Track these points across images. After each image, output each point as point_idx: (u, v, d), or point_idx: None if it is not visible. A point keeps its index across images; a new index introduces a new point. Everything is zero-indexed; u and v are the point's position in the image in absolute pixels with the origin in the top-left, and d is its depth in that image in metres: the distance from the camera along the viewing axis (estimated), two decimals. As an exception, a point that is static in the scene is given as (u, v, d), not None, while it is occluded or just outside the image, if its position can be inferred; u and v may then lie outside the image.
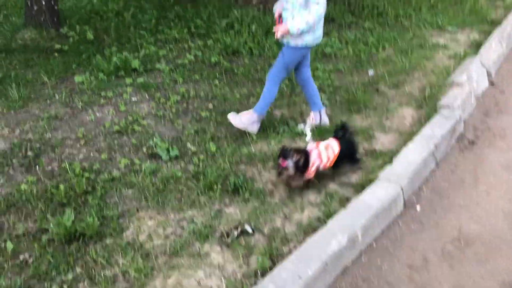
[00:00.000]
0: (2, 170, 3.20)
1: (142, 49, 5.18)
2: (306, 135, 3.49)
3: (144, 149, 3.51)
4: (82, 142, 3.57)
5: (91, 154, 3.44)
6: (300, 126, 3.72)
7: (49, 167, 3.26)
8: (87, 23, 5.86)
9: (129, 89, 4.38)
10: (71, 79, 4.65)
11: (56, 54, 5.13)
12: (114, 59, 4.80)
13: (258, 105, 3.59)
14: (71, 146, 3.52)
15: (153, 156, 3.44)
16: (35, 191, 2.99)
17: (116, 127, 3.73)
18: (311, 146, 3.01)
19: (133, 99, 4.28)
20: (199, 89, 4.46)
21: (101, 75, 4.63)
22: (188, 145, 3.56)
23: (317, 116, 3.74)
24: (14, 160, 3.31)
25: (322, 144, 3.03)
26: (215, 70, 4.87)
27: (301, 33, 3.27)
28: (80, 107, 4.08)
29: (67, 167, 3.20)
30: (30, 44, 5.28)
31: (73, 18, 5.96)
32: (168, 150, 3.47)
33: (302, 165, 2.85)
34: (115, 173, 3.21)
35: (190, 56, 5.12)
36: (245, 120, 3.60)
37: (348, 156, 3.10)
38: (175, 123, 3.90)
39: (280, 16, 3.39)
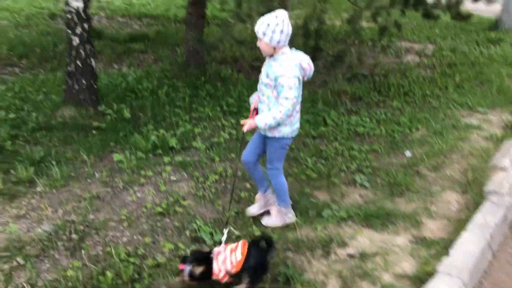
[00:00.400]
0: (48, 254, 3.15)
1: (179, 127, 5.27)
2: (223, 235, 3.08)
3: (187, 233, 3.46)
4: (125, 224, 3.53)
5: (135, 237, 3.39)
6: (250, 210, 3.68)
7: (94, 251, 3.21)
8: (123, 101, 6.04)
9: (168, 168, 4.41)
10: (110, 157, 4.71)
11: (94, 132, 5.23)
12: (152, 137, 4.88)
13: (278, 199, 3.57)
14: (114, 229, 3.48)
15: (197, 239, 3.38)
16: (81, 277, 2.91)
17: (158, 209, 3.71)
18: (218, 249, 2.86)
19: (172, 178, 4.29)
20: (236, 168, 4.48)
21: (139, 153, 4.68)
22: (231, 228, 3.51)
23: (262, 197, 3.68)
24: (59, 243, 3.26)
25: (229, 247, 2.86)
26: (250, 148, 4.91)
27: (276, 126, 3.17)
28: (120, 186, 4.09)
29: (112, 252, 3.14)
30: (69, 121, 5.41)
31: (109, 96, 6.15)
32: (211, 234, 3.42)
33: (199, 275, 2.74)
34: (160, 258, 3.14)
35: (224, 134, 5.20)
36: (276, 218, 3.56)
37: (254, 271, 2.79)
38: (216, 203, 3.87)
39: (255, 109, 3.32)
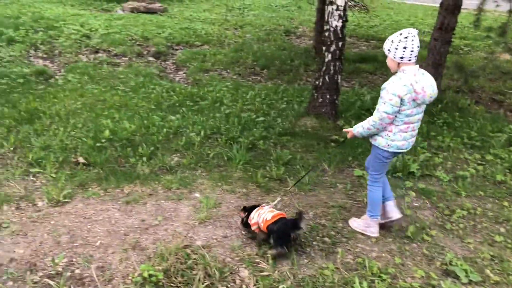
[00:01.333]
0: (305, 250, 3.40)
1: (417, 153, 5.15)
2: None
3: (438, 263, 3.32)
4: (373, 240, 3.58)
5: (383, 255, 3.41)
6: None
7: (346, 258, 3.33)
8: (359, 118, 6.19)
9: (412, 193, 4.34)
10: (348, 170, 4.87)
11: (333, 144, 5.48)
12: (393, 159, 4.86)
13: (368, 208, 3.63)
14: (363, 241, 3.56)
15: (449, 273, 3.22)
16: (336, 280, 3.06)
17: (407, 232, 3.66)
18: (263, 206, 3.43)
19: (415, 204, 4.20)
20: (486, 208, 4.14)
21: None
22: (487, 271, 3.24)
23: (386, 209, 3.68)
24: (314, 243, 3.49)
25: (266, 208, 3.36)
26: (501, 189, 4.50)
27: (373, 135, 3.31)
28: (363, 201, 4.18)
29: (365, 263, 3.21)
30: (310, 131, 5.79)
31: (347, 112, 6.38)
32: (466, 271, 3.21)
33: (242, 220, 3.51)
34: (412, 283, 3.08)
35: (470, 169, 4.87)
36: (359, 224, 3.68)
37: (275, 235, 3.18)
38: (466, 241, 3.64)
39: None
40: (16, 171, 4.41)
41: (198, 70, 9.11)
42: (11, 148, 4.91)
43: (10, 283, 2.91)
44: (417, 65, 3.17)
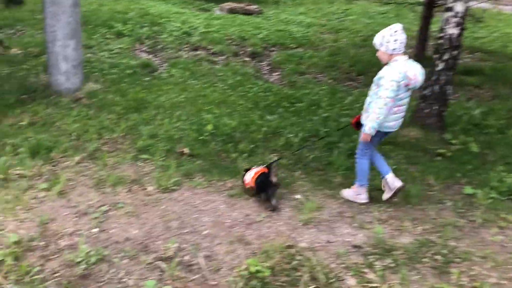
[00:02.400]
0: (415, 266, 3.21)
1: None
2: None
3: None
4: (489, 264, 3.30)
5: (503, 282, 3.13)
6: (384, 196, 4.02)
7: (461, 281, 3.10)
8: (468, 133, 5.80)
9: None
10: (457, 187, 4.56)
11: (438, 157, 5.17)
12: (509, 180, 4.48)
13: (356, 178, 4.03)
14: (478, 265, 3.30)
15: None
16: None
17: (525, 262, 3.34)
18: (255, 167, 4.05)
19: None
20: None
21: (493, 193, 4.36)
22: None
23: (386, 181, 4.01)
24: (424, 260, 3.29)
25: (254, 169, 3.99)
26: None
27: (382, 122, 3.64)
28: (477, 221, 3.88)
29: (483, 289, 2.97)
30: (414, 142, 5.52)
31: (453, 125, 6.00)
32: None
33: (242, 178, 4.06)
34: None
35: None
36: (349, 193, 4.08)
37: (261, 186, 3.81)
38: None
39: (355, 123, 4.00)
40: (127, 156, 4.64)
41: (293, 72, 9.09)
42: (121, 134, 5.18)
43: (126, 260, 3.04)
44: (406, 55, 3.62)
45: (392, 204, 4.07)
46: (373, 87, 3.71)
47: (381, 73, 3.61)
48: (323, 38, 12.30)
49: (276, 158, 4.54)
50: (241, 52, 10.69)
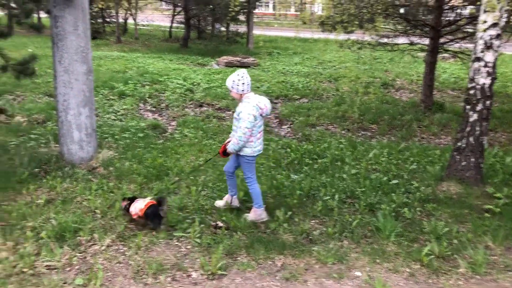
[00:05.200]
0: None
1: None
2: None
3: None
4: None
5: None
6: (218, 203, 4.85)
7: None
8: (508, 184, 5.56)
9: None
10: (516, 248, 4.25)
11: (487, 214, 4.89)
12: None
13: (254, 202, 4.62)
14: None
15: None
16: None
17: None
18: (140, 199, 4.43)
19: None
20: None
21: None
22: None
23: (229, 198, 4.82)
24: None
25: (141, 201, 4.36)
26: None
27: (242, 148, 4.37)
28: (559, 290, 3.55)
29: None
30: (455, 198, 5.25)
31: (492, 177, 5.76)
32: None
33: (124, 208, 4.44)
34: None
35: None
36: (253, 216, 4.60)
37: (150, 217, 4.26)
38: None
39: (223, 152, 4.64)
40: (160, 234, 4.26)
41: (304, 124, 8.91)
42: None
43: None
44: (252, 92, 4.39)
45: (458, 274, 3.72)
46: (235, 122, 4.45)
47: (238, 109, 4.36)
48: (324, 87, 12.27)
49: (163, 193, 5.03)
50: (246, 106, 10.50)
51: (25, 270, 3.56)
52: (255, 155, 4.49)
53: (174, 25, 21.72)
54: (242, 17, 19.06)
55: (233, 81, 4.28)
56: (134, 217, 4.35)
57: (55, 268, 3.62)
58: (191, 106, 10.02)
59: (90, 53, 6.03)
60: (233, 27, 19.15)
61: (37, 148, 6.47)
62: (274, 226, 4.51)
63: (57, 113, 6.04)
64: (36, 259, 3.71)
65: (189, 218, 4.54)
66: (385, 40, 10.36)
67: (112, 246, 4.03)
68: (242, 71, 4.32)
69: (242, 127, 4.27)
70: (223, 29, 19.28)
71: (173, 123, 8.80)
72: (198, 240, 4.16)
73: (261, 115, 4.37)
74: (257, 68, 14.68)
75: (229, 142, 4.57)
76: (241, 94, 4.32)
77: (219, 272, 3.65)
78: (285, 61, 16.32)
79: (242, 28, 19.33)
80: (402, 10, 10.32)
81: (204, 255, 3.88)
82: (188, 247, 4.10)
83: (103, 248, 3.98)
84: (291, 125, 9.12)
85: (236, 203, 4.82)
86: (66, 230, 4.16)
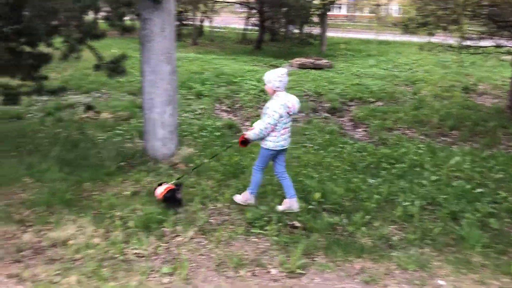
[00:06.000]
0: None
1: None
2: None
3: None
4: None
5: None
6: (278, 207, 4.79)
7: None
8: None
9: None
10: None
11: None
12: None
13: (250, 186, 4.89)
14: None
15: None
16: None
17: None
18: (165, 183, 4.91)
19: None
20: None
21: None
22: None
23: (288, 203, 4.80)
24: None
25: (164, 186, 4.82)
26: None
27: (263, 138, 4.62)
28: None
29: None
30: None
31: None
32: None
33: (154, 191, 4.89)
34: None
35: None
36: (241, 198, 4.91)
37: (169, 200, 4.69)
38: None
39: (242, 141, 4.77)
40: (238, 230, 4.37)
41: (380, 128, 8.72)
42: (226, 204, 4.95)
43: None
44: (285, 91, 4.58)
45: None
46: (263, 116, 4.62)
47: (267, 104, 4.59)
48: (401, 90, 11.92)
49: (179, 178, 5.24)
50: (319, 108, 10.50)
51: (116, 256, 3.80)
52: (276, 149, 4.67)
53: (248, 27, 22.11)
54: (316, 19, 19.00)
55: (272, 77, 4.51)
56: (158, 197, 4.78)
57: (142, 256, 3.83)
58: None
59: (175, 54, 6.31)
60: (306, 29, 19.14)
61: (122, 143, 6.87)
62: (352, 229, 4.47)
63: (143, 111, 6.38)
64: (125, 247, 3.94)
65: (266, 216, 4.60)
66: (468, 42, 9.86)
67: (194, 238, 4.19)
68: (283, 70, 4.56)
69: (265, 121, 4.51)
70: (296, 31, 19.33)
71: (247, 123, 8.96)
72: (275, 238, 4.22)
73: (288, 113, 4.55)
74: (330, 70, 14.56)
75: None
76: (274, 90, 4.54)
77: (298, 270, 3.67)
78: (360, 63, 16.05)
79: (315, 30, 19.26)
80: (489, 11, 9.77)
81: (282, 253, 3.93)
82: (266, 244, 4.17)
83: (186, 240, 4.15)
84: (367, 129, 8.96)
85: (295, 206, 4.78)
86: (151, 221, 4.39)
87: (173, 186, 4.80)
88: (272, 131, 4.55)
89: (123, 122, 8.23)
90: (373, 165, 6.43)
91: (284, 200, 4.84)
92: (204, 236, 4.26)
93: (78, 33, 5.34)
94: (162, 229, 4.33)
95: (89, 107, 8.56)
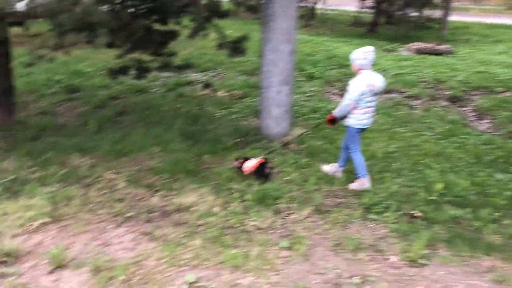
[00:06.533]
0: None
1: None
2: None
3: None
4: None
5: None
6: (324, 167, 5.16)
7: None
8: None
9: None
10: None
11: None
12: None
13: (356, 171, 4.84)
14: None
15: None
16: None
17: None
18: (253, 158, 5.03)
19: None
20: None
21: None
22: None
23: (337, 168, 5.09)
24: None
25: (254, 160, 4.92)
26: None
27: (346, 116, 4.72)
28: None
29: None
30: None
31: None
32: None
33: (238, 166, 5.01)
34: None
35: None
36: (355, 184, 4.82)
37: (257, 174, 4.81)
38: None
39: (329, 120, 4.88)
40: (354, 214, 4.28)
41: (508, 120, 7.93)
42: (341, 187, 4.88)
43: None
44: (371, 69, 4.59)
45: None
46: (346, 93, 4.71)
47: (351, 82, 4.66)
48: (536, 81, 10.69)
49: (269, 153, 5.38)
50: (438, 96, 9.84)
51: (236, 225, 3.95)
52: (358, 127, 4.72)
53: (361, 10, 21.36)
54: (438, 1, 17.72)
55: (358, 55, 4.59)
56: (246, 172, 4.88)
57: (260, 228, 3.93)
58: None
59: (295, 35, 6.30)
60: (425, 12, 17.94)
61: (238, 120, 7.09)
62: (478, 225, 4.15)
63: (260, 90, 6.50)
64: (244, 218, 4.08)
65: (383, 203, 4.45)
66: None
67: (309, 217, 4.21)
68: (370, 49, 4.59)
69: (346, 98, 4.64)
70: (414, 14, 18.20)
71: (360, 108, 8.71)
72: (394, 226, 4.07)
73: (371, 91, 4.58)
74: (452, 56, 13.55)
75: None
76: (359, 68, 4.62)
77: (420, 260, 3.50)
78: (485, 49, 14.70)
79: (436, 13, 17.96)
80: None
81: (402, 241, 3.77)
82: (384, 230, 4.04)
83: (301, 218, 4.18)
84: (493, 120, 8.21)
85: (339, 175, 5.06)
86: (266, 197, 4.48)
87: (262, 160, 4.93)
88: (354, 108, 4.62)
89: (238, 100, 8.48)
90: (501, 159, 5.89)
91: (335, 164, 5.17)
92: (319, 216, 4.25)
93: (206, 11, 5.55)
94: (277, 205, 4.39)
95: (206, 85, 8.98)
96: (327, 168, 5.18)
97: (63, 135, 6.08)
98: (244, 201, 4.48)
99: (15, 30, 5.15)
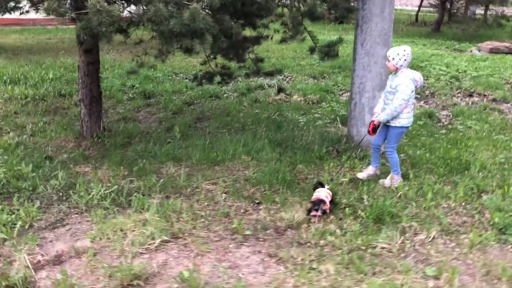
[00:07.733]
0: None
1: None
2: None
3: None
4: None
5: None
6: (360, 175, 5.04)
7: None
8: None
9: None
10: None
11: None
12: None
13: (391, 169, 4.89)
14: None
15: None
16: None
17: None
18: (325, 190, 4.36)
19: None
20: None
21: None
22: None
23: (373, 170, 5.05)
24: None
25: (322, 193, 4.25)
26: None
27: (395, 118, 4.68)
28: None
29: None
30: None
31: None
32: None
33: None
34: None
35: None
36: (388, 181, 4.82)
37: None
38: None
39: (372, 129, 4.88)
40: (488, 235, 3.85)
41: None
42: (460, 202, 4.45)
43: None
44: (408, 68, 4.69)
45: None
46: (389, 96, 4.72)
47: (397, 82, 4.62)
48: None
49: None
50: (527, 100, 9.15)
51: (363, 247, 3.61)
52: (408, 125, 4.78)
53: (422, 8, 20.57)
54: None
55: (398, 54, 4.57)
56: (327, 208, 4.12)
57: (390, 251, 3.58)
58: (459, 95, 9.22)
59: (391, 37, 5.91)
60: (493, 9, 17.02)
61: (323, 127, 6.76)
62: None
63: (350, 95, 6.15)
64: (368, 239, 3.73)
65: (515, 222, 4.00)
66: None
67: (438, 239, 3.81)
68: (408, 49, 4.61)
69: (399, 98, 4.56)
70: (479, 11, 17.32)
71: (444, 112, 8.21)
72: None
73: (415, 87, 4.64)
74: (529, 56, 12.70)
75: (376, 117, 4.83)
76: (397, 68, 4.61)
77: None
78: None
79: (509, 11, 17.01)
80: None
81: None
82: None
83: (428, 239, 3.79)
84: None
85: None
86: (384, 214, 4.12)
87: (330, 192, 4.30)
88: (405, 107, 4.61)
89: (315, 105, 8.15)
90: None
91: (369, 168, 5.10)
92: (448, 237, 3.84)
93: (299, 15, 5.24)
94: (397, 224, 4.02)
95: (280, 89, 8.70)
96: (363, 174, 5.04)
97: (150, 142, 5.94)
98: (357, 217, 4.14)
99: (117, 38, 5.01)
